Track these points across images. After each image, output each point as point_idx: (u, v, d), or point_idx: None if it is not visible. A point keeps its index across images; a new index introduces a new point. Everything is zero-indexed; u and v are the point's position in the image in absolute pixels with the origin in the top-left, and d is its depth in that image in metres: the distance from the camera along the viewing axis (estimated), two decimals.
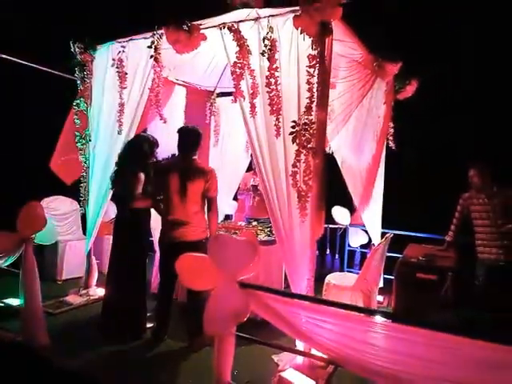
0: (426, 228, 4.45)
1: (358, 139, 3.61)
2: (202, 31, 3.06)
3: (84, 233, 4.73)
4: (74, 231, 4.74)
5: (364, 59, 3.30)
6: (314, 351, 2.27)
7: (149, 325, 3.32)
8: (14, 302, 3.36)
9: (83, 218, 4.63)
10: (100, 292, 3.95)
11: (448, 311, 3.08)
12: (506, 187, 3.45)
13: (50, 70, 4.44)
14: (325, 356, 1.96)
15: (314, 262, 2.74)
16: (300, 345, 2.71)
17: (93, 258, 4.08)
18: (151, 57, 3.14)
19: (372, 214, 4.15)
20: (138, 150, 3.19)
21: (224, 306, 1.90)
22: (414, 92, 4.19)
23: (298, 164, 2.59)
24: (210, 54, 4.05)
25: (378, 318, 1.85)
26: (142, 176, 3.15)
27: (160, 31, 3.15)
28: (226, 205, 5.20)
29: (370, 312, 1.91)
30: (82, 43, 3.64)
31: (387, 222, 4.40)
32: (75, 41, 3.64)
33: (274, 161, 2.72)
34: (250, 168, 4.91)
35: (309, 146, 2.56)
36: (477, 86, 5.28)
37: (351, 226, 4.86)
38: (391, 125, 4.18)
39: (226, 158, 5.26)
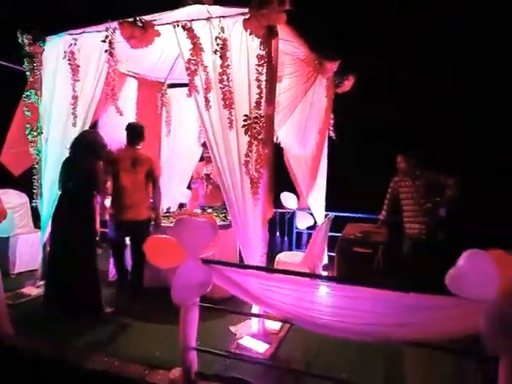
0: (364, 209, 4.99)
1: (303, 130, 3.97)
2: (155, 27, 3.20)
3: (35, 226, 4.70)
4: (25, 224, 4.67)
5: (307, 57, 3.65)
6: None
7: (108, 309, 3.53)
8: None
9: (34, 210, 4.60)
10: None
11: (380, 278, 3.59)
12: (427, 171, 4.02)
13: None
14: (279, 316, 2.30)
15: (266, 241, 3.06)
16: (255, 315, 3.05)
17: (48, 249, 4.09)
18: (106, 51, 3.23)
19: (316, 198, 4.58)
20: (96, 143, 3.44)
21: (189, 279, 2.16)
22: (352, 86, 4.65)
23: (250, 154, 2.88)
24: (161, 46, 4.17)
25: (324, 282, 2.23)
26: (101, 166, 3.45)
27: (114, 25, 3.24)
28: (179, 194, 5.36)
29: (316, 277, 2.27)
30: (30, 34, 3.60)
31: (331, 205, 4.87)
32: (23, 32, 3.59)
33: (228, 151, 2.98)
34: (202, 158, 5.11)
35: (259, 137, 2.86)
36: (408, 80, 5.91)
37: (298, 210, 5.26)
38: (332, 116, 4.62)
39: (179, 148, 5.41)
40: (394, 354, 2.92)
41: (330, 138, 4.68)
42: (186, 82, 3.14)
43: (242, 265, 2.56)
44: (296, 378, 2.59)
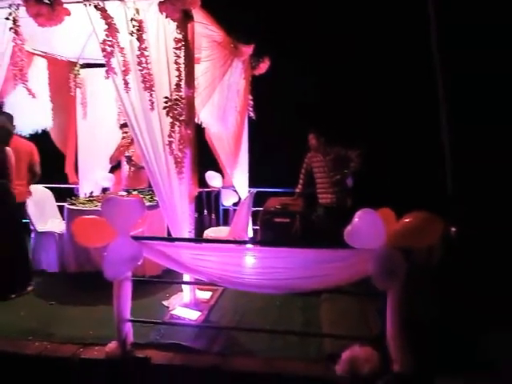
0: (284, 184, 5.40)
1: (222, 110, 4.14)
2: (65, 5, 3.08)
3: None
4: None
5: (223, 41, 3.80)
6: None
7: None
8: None
9: None
10: None
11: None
12: (335, 146, 4.50)
13: None
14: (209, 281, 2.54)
15: (193, 218, 3.25)
16: (186, 289, 3.26)
17: None
18: (10, 29, 3.04)
19: (240, 175, 4.84)
20: (3, 129, 3.44)
21: (120, 254, 2.28)
22: (268, 68, 4.92)
23: (172, 134, 2.98)
24: (71, 24, 3.98)
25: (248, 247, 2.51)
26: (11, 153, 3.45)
27: (17, 1, 3.04)
28: (101, 178, 5.21)
29: (242, 242, 2.54)
30: None
31: (253, 181, 5.19)
32: None
33: (151, 132, 3.04)
34: None
35: (181, 118, 2.98)
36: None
37: (223, 188, 5.48)
38: (250, 97, 4.87)
39: (97, 130, 5.22)
40: (310, 307, 3.37)
41: (250, 118, 4.94)
42: (101, 61, 3.10)
43: (169, 238, 2.73)
44: (227, 336, 2.87)
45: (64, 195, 4.57)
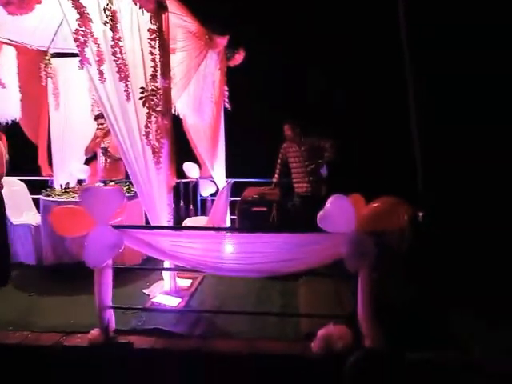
0: (260, 174, 5.49)
1: (198, 101, 4.18)
2: None
3: None
4: None
5: (197, 31, 3.82)
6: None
7: None
8: None
9: None
10: None
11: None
12: (310, 137, 4.62)
13: None
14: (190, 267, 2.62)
15: (171, 207, 3.29)
16: (167, 276, 3.32)
17: None
18: None
19: (217, 165, 4.89)
20: None
21: (101, 242, 2.32)
22: (243, 59, 4.96)
23: (149, 125, 3.01)
24: (40, 10, 3.88)
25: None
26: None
27: None
28: (77, 170, 5.13)
29: (220, 229, 2.63)
30: None
31: (231, 172, 5.26)
32: None
33: (127, 123, 3.05)
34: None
35: (157, 109, 3.01)
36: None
37: (201, 179, 5.52)
38: (226, 88, 4.91)
39: (71, 121, 5.13)
40: (289, 291, 3.51)
41: (225, 109, 4.98)
42: (73, 51, 3.06)
43: (149, 226, 2.78)
44: (208, 320, 2.96)
45: (38, 188, 4.50)
